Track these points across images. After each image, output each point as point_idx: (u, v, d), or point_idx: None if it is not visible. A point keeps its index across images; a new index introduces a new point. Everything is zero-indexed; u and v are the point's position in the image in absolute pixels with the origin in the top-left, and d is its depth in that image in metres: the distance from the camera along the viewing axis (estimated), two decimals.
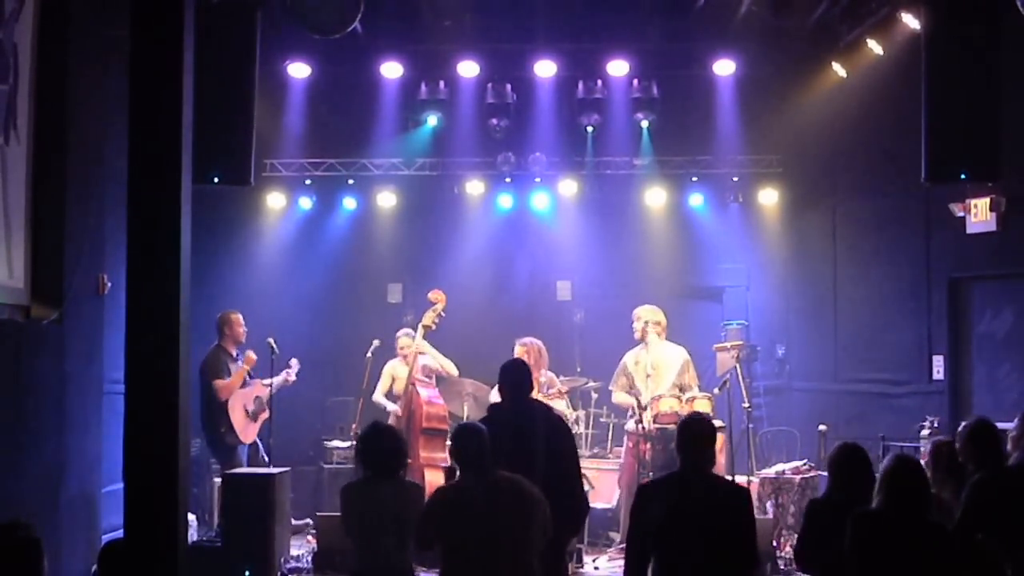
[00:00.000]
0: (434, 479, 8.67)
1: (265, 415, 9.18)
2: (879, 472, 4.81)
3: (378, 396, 9.51)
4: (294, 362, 9.61)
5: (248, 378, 9.27)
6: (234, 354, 9.24)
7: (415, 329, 9.59)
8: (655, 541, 4.94)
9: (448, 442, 9.21)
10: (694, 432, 5.11)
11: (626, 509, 9.14)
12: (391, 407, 9.35)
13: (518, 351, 9.23)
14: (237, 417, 9.02)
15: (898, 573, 4.60)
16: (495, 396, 9.50)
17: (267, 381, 9.14)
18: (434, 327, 9.37)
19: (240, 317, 9.31)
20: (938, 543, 4.67)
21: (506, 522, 4.99)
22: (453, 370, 9.57)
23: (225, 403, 8.94)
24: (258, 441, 9.23)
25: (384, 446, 5.55)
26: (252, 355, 9.18)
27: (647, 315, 9.42)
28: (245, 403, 9.11)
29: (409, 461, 8.70)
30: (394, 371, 9.63)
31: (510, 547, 4.98)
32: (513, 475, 5.13)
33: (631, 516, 5.17)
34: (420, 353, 9.45)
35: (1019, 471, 5.54)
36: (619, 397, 9.51)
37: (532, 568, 5.05)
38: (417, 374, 9.37)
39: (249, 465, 9.08)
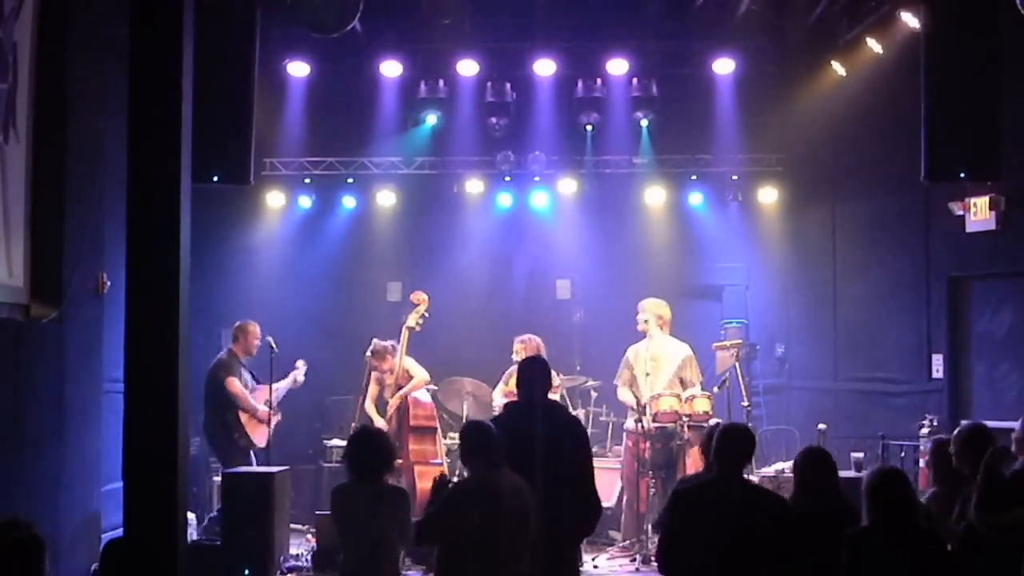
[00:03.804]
0: (425, 477, 8.65)
1: (277, 418, 9.20)
2: (863, 489, 4.81)
3: (369, 406, 9.45)
4: (300, 363, 9.62)
5: (254, 383, 9.33)
6: (243, 362, 9.32)
7: (399, 330, 9.51)
8: (689, 546, 4.94)
9: (437, 440, 9.27)
10: (736, 443, 5.14)
11: (626, 508, 9.18)
12: (380, 422, 9.28)
13: (516, 348, 9.22)
14: (249, 420, 9.08)
15: None
16: (497, 395, 9.55)
17: (276, 385, 9.21)
18: (418, 328, 9.34)
19: (256, 329, 9.36)
20: (932, 550, 4.68)
21: (509, 521, 5.02)
22: (425, 377, 9.45)
23: (237, 408, 9.02)
24: (254, 453, 9.22)
25: (370, 450, 5.57)
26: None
27: (651, 308, 9.44)
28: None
29: (400, 461, 8.79)
30: (381, 379, 9.56)
31: (510, 545, 5.00)
32: (515, 474, 5.15)
33: (665, 521, 5.17)
34: (407, 374, 9.37)
35: (1018, 475, 5.52)
36: (623, 394, 9.49)
37: (527, 567, 5.07)
38: (398, 393, 9.32)
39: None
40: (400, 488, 5.91)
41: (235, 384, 9.05)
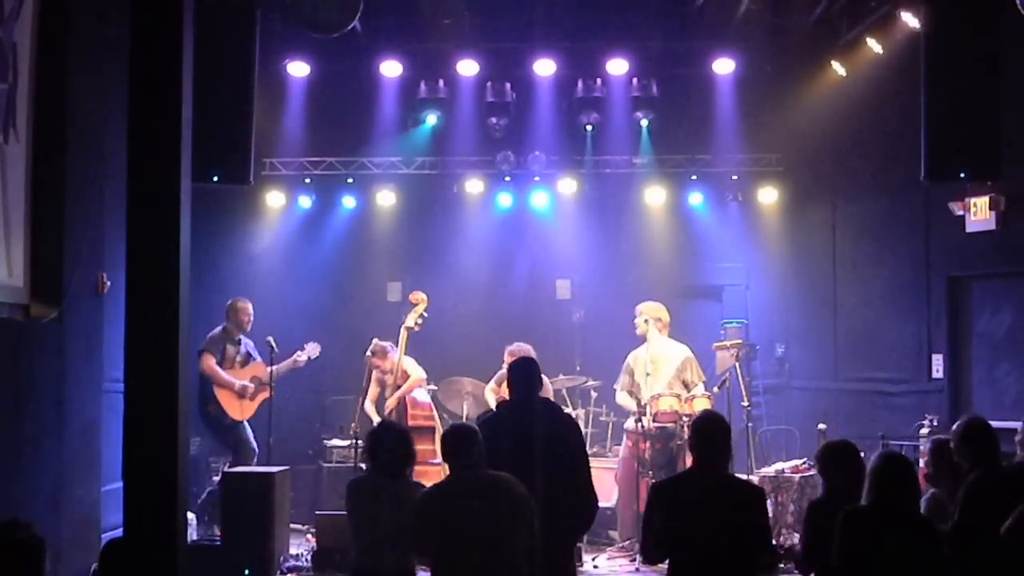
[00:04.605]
0: (423, 477, 8.63)
1: (265, 395, 9.33)
2: (868, 470, 4.83)
3: (369, 407, 9.47)
4: (311, 345, 9.71)
5: (250, 358, 9.52)
6: (237, 338, 9.51)
7: (399, 330, 9.51)
8: (670, 540, 4.95)
9: (436, 439, 9.25)
10: (707, 431, 5.13)
11: (625, 507, 9.19)
12: (377, 420, 9.29)
13: (507, 360, 9.17)
14: (224, 395, 9.24)
15: (888, 569, 4.62)
16: (488, 395, 9.55)
17: (276, 367, 9.34)
18: (417, 328, 9.33)
19: (247, 306, 9.57)
20: (927, 539, 4.69)
21: (494, 521, 5.01)
22: (420, 376, 9.50)
23: (211, 383, 9.23)
24: (248, 423, 9.34)
25: (392, 444, 5.58)
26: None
27: (648, 311, 9.44)
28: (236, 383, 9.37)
29: None
30: (382, 380, 9.57)
31: (498, 546, 5.00)
32: (501, 474, 5.14)
33: (645, 516, 5.18)
34: (405, 373, 9.39)
35: (1016, 470, 5.54)
36: (622, 398, 9.51)
37: (520, 567, 5.06)
38: (396, 394, 9.34)
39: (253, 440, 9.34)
40: (420, 484, 5.83)
41: (207, 361, 9.25)
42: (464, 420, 9.65)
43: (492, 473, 5.14)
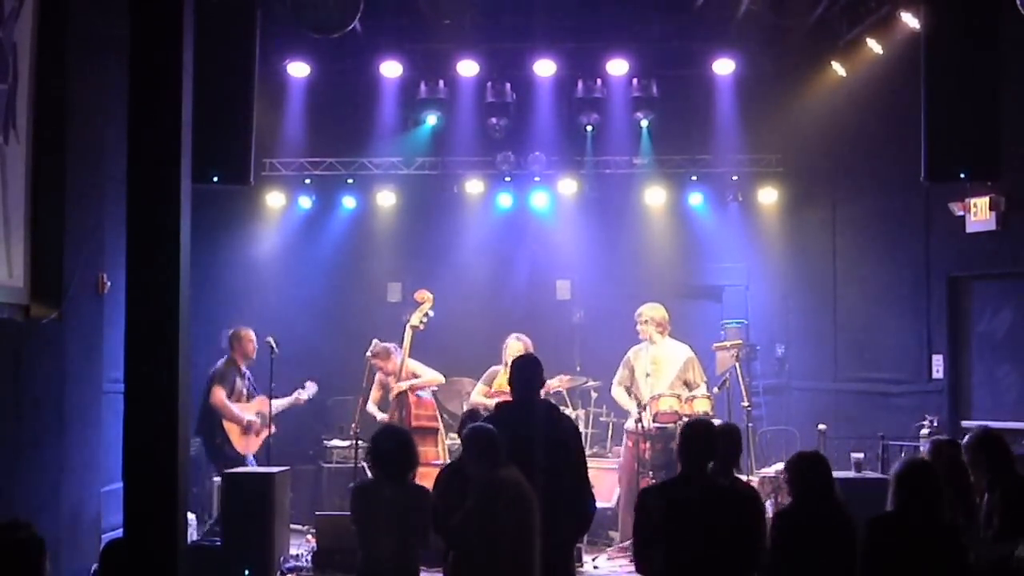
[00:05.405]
0: (425, 478, 8.64)
1: (267, 432, 9.18)
2: (890, 476, 4.85)
3: (371, 406, 9.47)
4: (310, 384, 9.63)
5: (253, 392, 9.36)
6: (243, 368, 9.34)
7: (400, 331, 9.50)
8: (659, 543, 4.96)
9: (439, 441, 9.27)
10: (692, 436, 5.18)
11: (625, 508, 9.18)
12: (381, 416, 9.30)
13: (509, 343, 9.16)
14: (232, 429, 9.11)
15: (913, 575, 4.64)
16: (476, 396, 9.52)
17: (276, 402, 9.20)
18: (422, 327, 9.33)
19: (251, 333, 9.37)
20: (952, 544, 4.71)
21: (516, 517, 5.05)
22: (440, 379, 9.52)
23: (221, 416, 9.07)
24: (252, 458, 9.19)
25: (398, 449, 5.59)
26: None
27: (647, 313, 9.43)
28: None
29: None
30: (385, 382, 9.57)
31: (523, 545, 5.04)
32: (516, 470, 5.16)
33: (635, 520, 5.19)
34: (413, 375, 9.38)
35: None
36: (617, 392, 9.51)
37: (534, 568, 5.09)
38: (409, 381, 9.33)
39: None
40: (424, 488, 5.81)
41: (218, 394, 9.09)
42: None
43: (514, 472, 5.15)
